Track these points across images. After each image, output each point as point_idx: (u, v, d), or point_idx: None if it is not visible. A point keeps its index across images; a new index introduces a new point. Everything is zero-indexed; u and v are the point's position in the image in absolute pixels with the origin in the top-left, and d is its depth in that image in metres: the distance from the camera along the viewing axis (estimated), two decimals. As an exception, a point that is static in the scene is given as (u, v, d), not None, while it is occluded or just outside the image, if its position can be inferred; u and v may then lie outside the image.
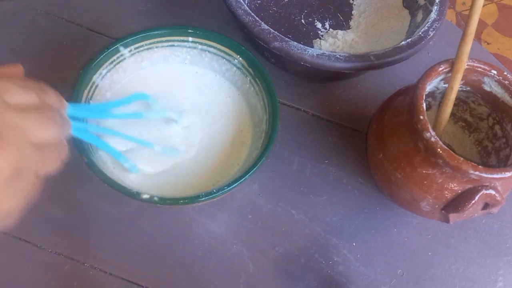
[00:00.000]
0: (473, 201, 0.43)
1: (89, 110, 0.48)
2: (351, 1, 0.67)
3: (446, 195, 0.45)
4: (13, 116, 0.31)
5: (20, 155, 0.30)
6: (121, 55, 0.51)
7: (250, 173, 0.45)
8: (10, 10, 0.62)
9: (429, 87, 0.46)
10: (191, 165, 0.50)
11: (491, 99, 0.49)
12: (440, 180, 0.44)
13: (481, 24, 1.59)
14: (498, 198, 0.44)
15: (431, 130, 0.43)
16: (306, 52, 0.52)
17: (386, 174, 0.49)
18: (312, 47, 0.61)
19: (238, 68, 0.53)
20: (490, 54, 0.69)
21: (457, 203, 0.45)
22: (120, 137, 0.48)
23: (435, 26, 0.55)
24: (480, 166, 0.41)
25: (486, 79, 0.48)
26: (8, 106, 0.30)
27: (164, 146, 0.49)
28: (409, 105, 0.45)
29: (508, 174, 0.42)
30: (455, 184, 0.44)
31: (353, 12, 0.66)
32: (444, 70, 0.46)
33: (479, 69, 0.47)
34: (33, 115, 0.32)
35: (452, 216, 0.46)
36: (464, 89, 0.50)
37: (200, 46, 0.53)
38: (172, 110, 0.50)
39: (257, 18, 0.53)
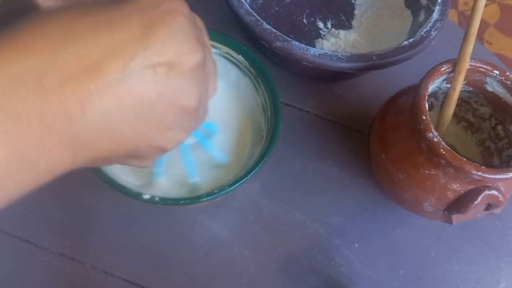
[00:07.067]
0: (476, 202, 0.43)
1: None
2: (353, 1, 0.67)
3: (449, 196, 0.45)
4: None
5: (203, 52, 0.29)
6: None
7: (252, 173, 0.45)
8: (12, 9, 0.62)
9: (431, 87, 0.46)
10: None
11: (493, 99, 0.49)
12: (443, 181, 0.44)
13: (483, 24, 1.58)
14: (501, 199, 0.43)
15: (433, 131, 0.43)
16: (308, 52, 0.51)
17: (388, 174, 0.48)
18: (314, 47, 0.61)
19: (239, 68, 0.52)
20: (492, 54, 0.69)
21: (460, 203, 0.44)
22: None
23: (437, 26, 0.55)
24: (482, 167, 0.41)
25: (488, 79, 0.48)
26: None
27: None
28: (411, 106, 0.45)
29: (510, 174, 0.42)
30: (457, 185, 0.44)
31: (355, 12, 0.66)
32: (447, 70, 0.46)
33: (481, 69, 0.47)
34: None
35: (455, 217, 0.46)
36: (467, 89, 0.50)
37: (201, 46, 0.52)
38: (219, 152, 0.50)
39: (258, 18, 0.53)
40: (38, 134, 0.23)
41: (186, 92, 0.28)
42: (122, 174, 0.47)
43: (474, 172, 0.41)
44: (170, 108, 0.28)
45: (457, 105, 0.49)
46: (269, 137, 0.48)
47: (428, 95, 0.45)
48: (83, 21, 0.25)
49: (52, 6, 0.46)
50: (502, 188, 0.44)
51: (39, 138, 0.24)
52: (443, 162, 0.42)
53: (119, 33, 0.25)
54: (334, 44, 0.63)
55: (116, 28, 0.25)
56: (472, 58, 0.46)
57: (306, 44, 0.52)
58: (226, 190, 0.44)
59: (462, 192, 0.44)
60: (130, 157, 0.30)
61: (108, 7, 0.26)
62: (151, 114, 0.27)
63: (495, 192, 0.43)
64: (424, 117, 0.43)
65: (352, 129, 0.60)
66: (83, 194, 0.53)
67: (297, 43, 0.52)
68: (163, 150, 0.30)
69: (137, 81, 0.25)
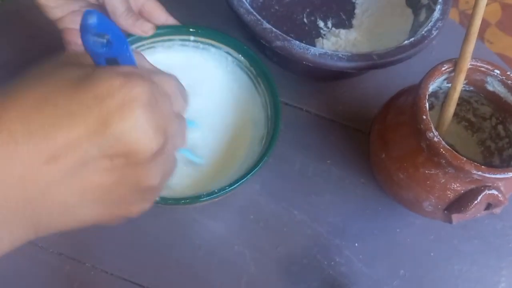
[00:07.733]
0: (476, 202, 0.43)
1: None
2: (353, 0, 0.67)
3: (449, 195, 0.45)
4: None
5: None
6: (123, 54, 0.50)
7: (252, 172, 0.45)
8: (12, 9, 0.62)
9: (432, 87, 0.46)
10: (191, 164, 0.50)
11: (494, 99, 0.49)
12: (443, 180, 0.44)
13: (484, 23, 1.58)
14: (501, 198, 0.43)
15: (434, 130, 0.42)
16: (309, 52, 0.51)
17: (388, 174, 0.48)
18: (315, 46, 0.61)
19: (240, 67, 0.52)
20: (493, 54, 0.69)
21: (460, 203, 0.44)
22: None
23: (438, 25, 0.55)
24: (483, 166, 0.41)
25: (489, 79, 0.48)
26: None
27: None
28: (411, 105, 0.45)
29: (511, 174, 0.42)
30: (458, 184, 0.44)
31: (355, 11, 0.66)
32: (447, 70, 0.46)
33: (482, 68, 0.47)
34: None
35: (455, 217, 0.46)
36: (467, 89, 0.50)
37: (201, 45, 0.52)
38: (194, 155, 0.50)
39: (259, 17, 0.53)
40: (1, 216, 0.25)
41: (145, 176, 0.29)
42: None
43: (474, 171, 0.41)
44: (130, 191, 0.29)
45: (458, 104, 0.49)
46: (269, 137, 0.48)
47: (428, 95, 0.44)
48: (44, 113, 0.25)
49: (53, 5, 0.46)
50: (502, 188, 0.44)
51: (2, 219, 0.26)
52: (443, 161, 0.42)
53: (77, 128, 0.26)
54: (334, 44, 0.63)
55: (74, 122, 0.26)
56: (473, 57, 0.46)
57: (307, 43, 0.52)
58: (226, 190, 0.44)
59: (462, 191, 0.44)
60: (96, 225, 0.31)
61: (69, 96, 0.26)
62: (110, 197, 0.29)
63: (495, 192, 0.43)
64: (424, 117, 0.43)
65: (352, 128, 0.60)
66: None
67: (297, 42, 0.52)
68: (128, 218, 0.32)
69: (94, 172, 0.27)
